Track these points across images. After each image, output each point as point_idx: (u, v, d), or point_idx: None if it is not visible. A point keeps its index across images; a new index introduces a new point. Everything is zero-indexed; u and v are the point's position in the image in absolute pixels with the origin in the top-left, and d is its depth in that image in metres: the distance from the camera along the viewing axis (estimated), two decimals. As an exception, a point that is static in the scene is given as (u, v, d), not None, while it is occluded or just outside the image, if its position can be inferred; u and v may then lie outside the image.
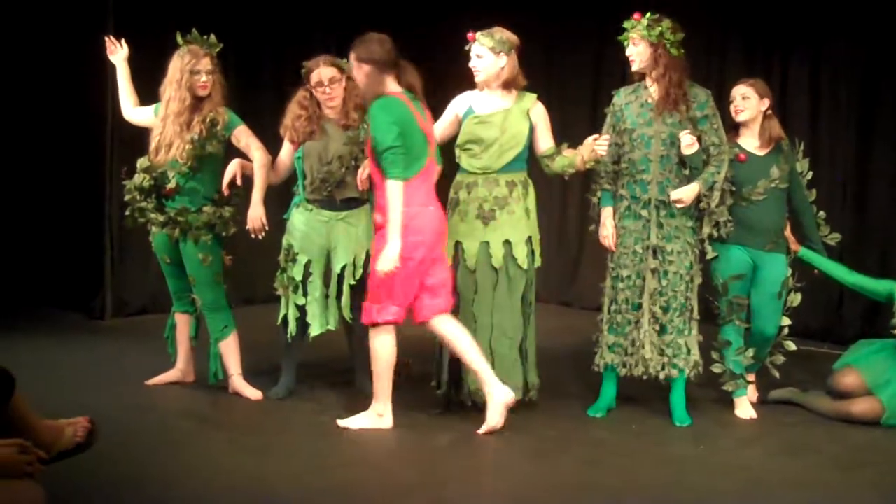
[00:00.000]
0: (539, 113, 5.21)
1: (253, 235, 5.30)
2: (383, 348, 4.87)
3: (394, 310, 4.83)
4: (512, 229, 5.12)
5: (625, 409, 5.34)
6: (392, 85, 4.81)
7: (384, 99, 4.73)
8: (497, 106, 5.16)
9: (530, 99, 5.20)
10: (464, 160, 5.20)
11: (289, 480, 4.24)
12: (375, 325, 4.86)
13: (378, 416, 4.94)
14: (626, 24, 5.11)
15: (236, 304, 5.87)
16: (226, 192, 5.31)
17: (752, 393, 5.51)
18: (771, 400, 5.53)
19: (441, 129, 5.28)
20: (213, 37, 5.36)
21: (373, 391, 4.96)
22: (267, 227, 5.28)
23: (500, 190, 5.12)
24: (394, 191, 4.67)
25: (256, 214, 5.25)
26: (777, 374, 5.44)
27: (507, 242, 5.11)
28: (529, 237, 5.16)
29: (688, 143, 4.98)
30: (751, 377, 5.54)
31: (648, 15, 5.06)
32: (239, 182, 5.31)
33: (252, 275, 7.31)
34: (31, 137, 7.99)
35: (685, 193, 5.04)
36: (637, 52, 5.09)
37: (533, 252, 5.19)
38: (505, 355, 5.10)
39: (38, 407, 2.85)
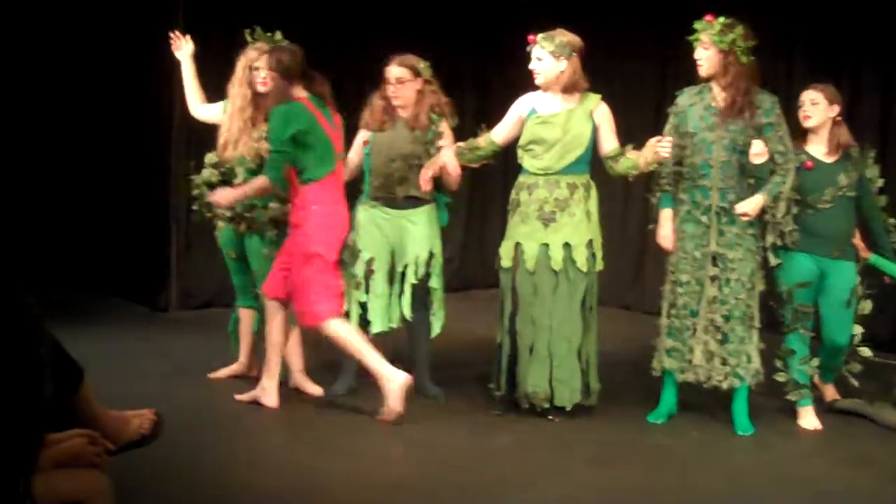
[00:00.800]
0: (603, 114, 5.17)
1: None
2: (343, 330, 5.07)
3: (335, 304, 5.11)
4: (572, 232, 5.09)
5: (686, 415, 5.28)
6: (299, 91, 5.02)
7: (287, 105, 4.97)
8: (560, 107, 5.13)
9: (594, 100, 5.17)
10: (525, 161, 5.18)
11: (345, 477, 4.26)
12: (322, 322, 5.03)
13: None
14: (697, 25, 5.02)
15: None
16: None
17: (831, 393, 5.44)
18: (836, 410, 5.44)
19: (504, 130, 5.28)
20: (278, 34, 5.40)
21: (382, 384, 5.01)
22: None
23: (560, 192, 5.09)
24: (259, 184, 5.01)
25: None
26: (856, 383, 5.32)
27: (566, 245, 5.08)
28: (590, 240, 5.13)
29: (757, 152, 4.90)
30: (829, 388, 5.46)
31: (722, 19, 4.98)
32: None
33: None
34: (100, 132, 8.14)
35: (750, 206, 4.96)
36: (706, 56, 5.01)
37: (594, 255, 5.15)
38: (564, 358, 5.08)
39: (103, 398, 2.89)
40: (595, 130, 5.14)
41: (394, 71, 5.36)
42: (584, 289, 5.12)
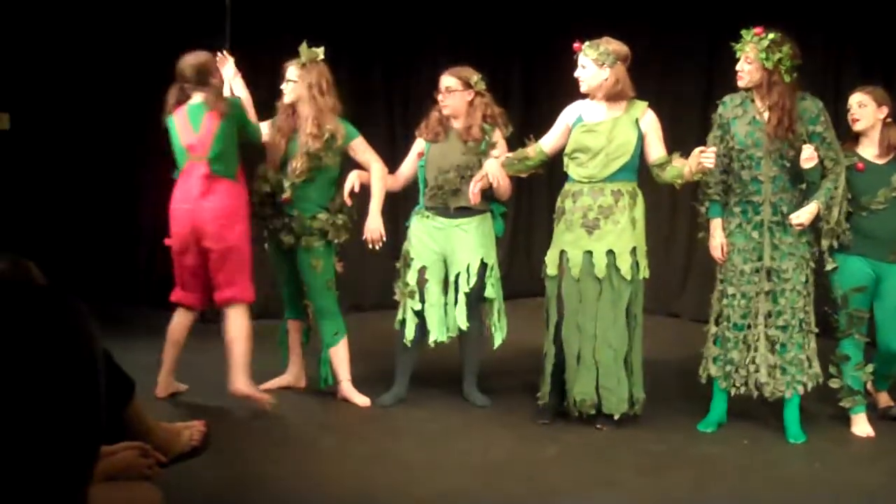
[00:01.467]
0: (649, 121, 5.14)
1: (370, 246, 5.37)
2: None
3: (178, 292, 5.50)
4: (616, 239, 5.05)
5: (736, 424, 5.22)
6: (195, 97, 5.26)
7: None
8: (605, 115, 5.12)
9: (640, 107, 5.15)
10: (571, 169, 5.17)
11: (393, 488, 4.27)
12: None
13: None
14: (744, 34, 4.96)
15: (345, 310, 5.93)
16: (348, 201, 5.40)
17: (885, 400, 5.37)
18: (891, 417, 5.35)
19: (553, 140, 5.28)
20: (303, 45, 5.40)
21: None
22: (385, 238, 5.36)
23: (605, 199, 5.07)
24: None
25: (375, 226, 5.35)
26: None
27: (610, 252, 5.05)
28: (634, 248, 5.09)
29: (808, 157, 4.83)
30: (882, 395, 5.38)
31: (772, 36, 4.89)
32: (357, 189, 5.39)
33: (361, 282, 7.38)
34: (147, 143, 8.19)
35: (805, 216, 4.91)
36: (748, 70, 4.94)
37: (638, 263, 5.12)
38: (609, 366, 5.05)
39: (153, 410, 2.92)
40: (641, 138, 5.12)
41: (444, 80, 5.42)
42: (628, 297, 5.08)
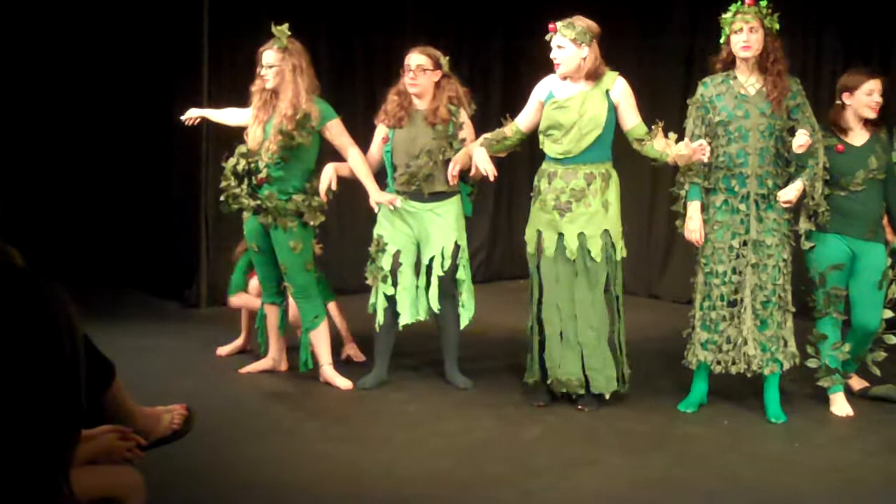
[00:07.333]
0: (620, 91, 5.09)
1: (391, 207, 5.36)
2: None
3: None
4: (587, 222, 5.06)
5: (716, 404, 5.25)
6: None
7: None
8: (576, 89, 5.09)
9: (610, 78, 5.10)
10: (547, 146, 5.16)
11: (377, 469, 4.27)
12: None
13: None
14: (743, 9, 4.92)
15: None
16: (324, 198, 5.38)
17: (857, 383, 5.39)
18: (870, 396, 5.39)
19: (527, 117, 5.26)
20: (276, 27, 5.32)
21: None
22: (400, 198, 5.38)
23: (577, 182, 5.06)
24: None
25: (385, 198, 5.36)
26: (878, 372, 5.28)
27: (581, 235, 5.06)
28: (606, 230, 5.09)
29: (801, 144, 4.78)
30: (854, 380, 5.42)
31: (764, 3, 4.92)
32: (335, 187, 5.38)
33: (343, 264, 7.37)
34: (129, 129, 8.18)
35: (792, 194, 4.92)
36: (756, 38, 4.91)
37: (613, 245, 5.12)
38: (594, 346, 5.06)
39: (134, 393, 2.90)
40: (614, 110, 5.10)
41: (414, 58, 5.34)
42: (604, 278, 5.09)
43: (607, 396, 5.12)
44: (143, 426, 2.86)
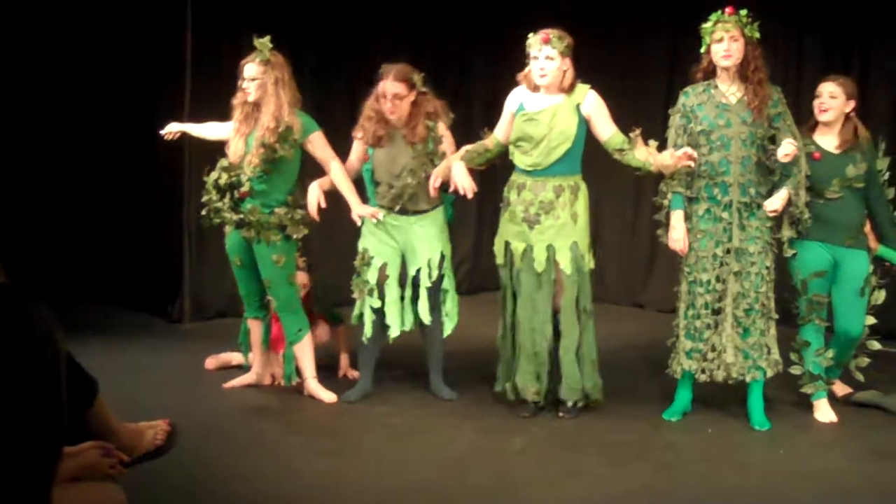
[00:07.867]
0: (590, 104, 5.09)
1: (375, 221, 5.33)
2: None
3: None
4: (556, 234, 5.07)
5: (700, 412, 5.26)
6: None
7: None
8: (546, 102, 5.10)
9: (581, 91, 5.10)
10: (516, 157, 5.18)
11: (362, 482, 4.26)
12: None
13: None
14: (723, 19, 4.95)
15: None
16: (316, 218, 5.37)
17: (840, 388, 5.41)
18: (854, 402, 5.41)
19: (503, 129, 5.28)
20: (258, 39, 5.30)
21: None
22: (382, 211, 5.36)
23: (546, 195, 5.08)
24: None
25: (367, 211, 5.34)
26: (861, 378, 5.30)
27: (550, 247, 5.07)
28: (575, 242, 5.10)
29: (786, 153, 4.82)
30: (838, 386, 5.44)
31: (744, 11, 4.95)
32: (324, 205, 5.36)
33: (326, 278, 7.35)
34: (111, 142, 8.15)
35: (777, 203, 4.94)
36: (737, 47, 4.95)
37: (583, 257, 5.13)
38: (561, 358, 5.12)
39: (117, 410, 2.89)
40: (584, 123, 5.10)
41: (390, 87, 5.28)
42: (574, 291, 5.10)
43: (569, 404, 5.14)
44: (127, 442, 2.85)
